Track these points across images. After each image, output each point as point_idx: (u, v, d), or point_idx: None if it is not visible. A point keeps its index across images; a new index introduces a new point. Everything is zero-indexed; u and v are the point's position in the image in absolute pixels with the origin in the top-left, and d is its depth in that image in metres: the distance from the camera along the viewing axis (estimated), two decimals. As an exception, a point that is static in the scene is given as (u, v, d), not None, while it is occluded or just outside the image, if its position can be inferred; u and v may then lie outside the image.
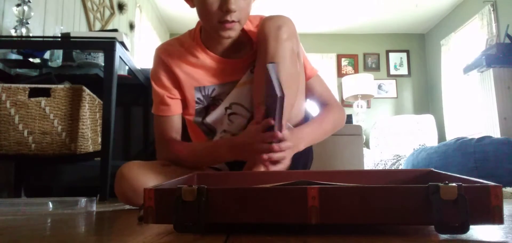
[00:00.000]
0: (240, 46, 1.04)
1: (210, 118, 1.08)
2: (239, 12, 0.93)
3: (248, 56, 1.05)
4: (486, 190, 0.41)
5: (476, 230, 0.50)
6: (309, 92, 1.12)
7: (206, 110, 1.09)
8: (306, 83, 1.10)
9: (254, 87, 1.00)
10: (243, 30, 1.05)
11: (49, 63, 1.79)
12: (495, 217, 0.41)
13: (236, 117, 1.07)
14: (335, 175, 0.74)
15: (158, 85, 1.07)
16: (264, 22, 0.97)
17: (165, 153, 1.06)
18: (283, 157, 0.89)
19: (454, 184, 0.41)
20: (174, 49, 1.07)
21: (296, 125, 1.07)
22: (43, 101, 1.47)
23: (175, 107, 1.07)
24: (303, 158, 1.13)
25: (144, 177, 0.95)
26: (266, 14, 1.05)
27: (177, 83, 1.06)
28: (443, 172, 0.65)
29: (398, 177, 0.73)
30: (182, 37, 1.10)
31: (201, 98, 1.08)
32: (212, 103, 1.09)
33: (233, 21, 0.93)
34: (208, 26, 0.98)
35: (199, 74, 1.06)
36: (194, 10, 1.00)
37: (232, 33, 0.96)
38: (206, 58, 1.05)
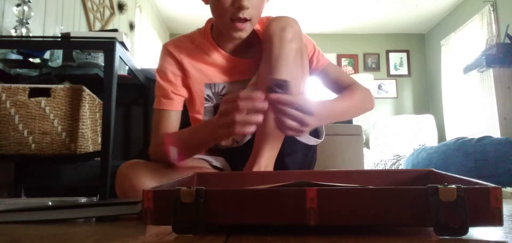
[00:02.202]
0: (250, 45, 1.04)
1: None
2: (252, 9, 0.92)
3: (258, 56, 1.04)
4: (486, 191, 0.41)
5: (475, 229, 0.50)
6: (325, 79, 1.10)
7: (215, 109, 1.07)
8: (320, 72, 1.09)
9: (258, 87, 0.99)
10: (253, 30, 1.03)
11: (49, 63, 1.79)
12: (495, 219, 0.41)
13: None
14: (334, 175, 0.74)
15: (163, 79, 1.04)
16: (269, 23, 0.96)
17: (155, 147, 1.03)
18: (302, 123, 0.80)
19: (453, 186, 0.41)
20: (184, 45, 1.06)
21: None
22: (43, 101, 1.47)
23: (177, 103, 1.05)
24: (307, 162, 1.12)
25: (145, 176, 0.94)
26: (270, 14, 1.05)
27: (186, 78, 1.05)
28: (443, 173, 0.65)
29: (398, 177, 0.73)
30: (192, 34, 1.09)
31: (211, 95, 1.07)
32: (221, 101, 1.08)
33: (245, 20, 0.92)
34: (220, 24, 0.97)
35: (209, 70, 1.05)
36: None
37: (243, 34, 0.95)
38: (217, 56, 1.04)
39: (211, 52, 1.04)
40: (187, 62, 1.04)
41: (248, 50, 1.05)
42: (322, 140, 1.13)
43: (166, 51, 1.06)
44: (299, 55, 0.95)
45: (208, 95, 1.07)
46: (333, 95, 1.10)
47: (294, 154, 1.05)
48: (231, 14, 0.91)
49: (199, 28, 1.09)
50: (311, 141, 1.08)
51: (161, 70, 1.05)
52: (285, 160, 1.01)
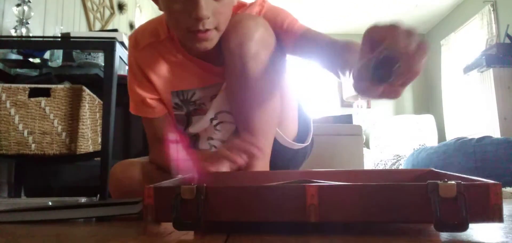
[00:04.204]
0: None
1: (193, 129, 0.97)
2: (215, 17, 0.75)
3: None
4: (486, 188, 0.41)
5: (476, 230, 0.50)
6: (304, 48, 0.88)
7: (187, 117, 0.97)
8: (296, 43, 0.87)
9: (229, 101, 0.90)
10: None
11: (49, 63, 1.79)
12: (495, 215, 0.41)
13: (223, 125, 0.96)
14: (335, 175, 0.74)
15: (136, 85, 0.93)
16: (227, 34, 0.80)
17: (156, 157, 0.96)
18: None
19: (453, 182, 0.41)
20: (146, 43, 0.90)
21: (292, 138, 0.99)
22: (43, 101, 1.47)
23: (160, 108, 0.95)
24: (295, 164, 1.06)
25: (136, 176, 0.93)
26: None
27: (152, 86, 0.93)
28: (443, 172, 0.65)
29: (398, 177, 0.73)
30: (158, 24, 0.91)
31: (179, 103, 0.94)
32: (193, 108, 0.95)
33: (207, 30, 0.74)
34: (178, 35, 0.84)
35: (175, 76, 0.91)
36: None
37: (209, 44, 0.77)
38: (183, 60, 0.89)
39: (176, 55, 0.90)
40: (148, 69, 0.90)
41: (220, 51, 0.86)
42: (306, 144, 1.04)
43: (129, 53, 0.93)
44: (270, 62, 0.83)
45: (176, 103, 0.94)
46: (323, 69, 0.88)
47: (280, 157, 0.99)
48: (188, 26, 0.74)
49: None
50: (295, 145, 1.00)
51: (131, 73, 0.94)
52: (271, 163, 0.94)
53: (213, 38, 0.77)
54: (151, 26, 0.92)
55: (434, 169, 0.71)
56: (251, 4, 0.91)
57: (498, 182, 0.41)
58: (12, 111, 1.45)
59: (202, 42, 0.76)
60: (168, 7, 0.75)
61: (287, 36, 0.88)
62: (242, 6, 0.91)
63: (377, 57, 0.46)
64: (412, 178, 0.72)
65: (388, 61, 0.46)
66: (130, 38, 0.93)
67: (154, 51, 0.90)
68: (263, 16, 0.88)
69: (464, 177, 0.50)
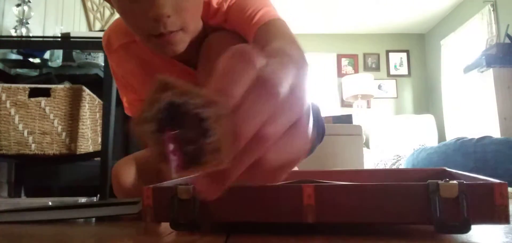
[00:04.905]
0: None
1: None
2: (178, 15, 0.61)
3: None
4: (490, 188, 0.40)
5: (477, 230, 0.50)
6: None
7: None
8: (254, 42, 0.68)
9: None
10: (207, 23, 0.73)
11: (49, 63, 1.79)
12: (501, 217, 0.39)
13: None
14: (341, 175, 0.73)
15: (120, 87, 0.87)
16: (204, 63, 0.70)
17: None
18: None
19: (454, 182, 0.41)
20: (119, 44, 0.79)
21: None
22: (43, 101, 1.46)
23: None
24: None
25: (134, 174, 0.93)
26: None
27: (134, 89, 0.85)
28: (456, 171, 0.63)
29: (408, 177, 0.70)
30: None
31: None
32: None
33: (171, 32, 0.62)
34: (140, 39, 0.69)
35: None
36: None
37: (176, 47, 0.64)
38: (161, 62, 0.78)
39: (153, 57, 0.78)
40: (127, 73, 0.83)
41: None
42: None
43: (109, 60, 0.83)
44: None
45: None
46: None
47: None
48: (149, 30, 0.61)
49: None
50: None
51: (113, 75, 0.87)
52: None
53: (180, 41, 0.64)
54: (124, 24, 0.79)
55: (447, 168, 0.68)
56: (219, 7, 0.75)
57: (504, 182, 0.40)
58: (12, 111, 1.45)
59: (167, 46, 0.63)
60: (120, 7, 0.61)
61: (248, 27, 0.68)
62: (208, 5, 0.75)
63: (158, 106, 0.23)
64: (424, 177, 0.70)
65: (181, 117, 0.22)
66: (103, 38, 0.81)
67: (129, 52, 0.79)
68: (230, 9, 0.74)
69: (475, 177, 0.49)
